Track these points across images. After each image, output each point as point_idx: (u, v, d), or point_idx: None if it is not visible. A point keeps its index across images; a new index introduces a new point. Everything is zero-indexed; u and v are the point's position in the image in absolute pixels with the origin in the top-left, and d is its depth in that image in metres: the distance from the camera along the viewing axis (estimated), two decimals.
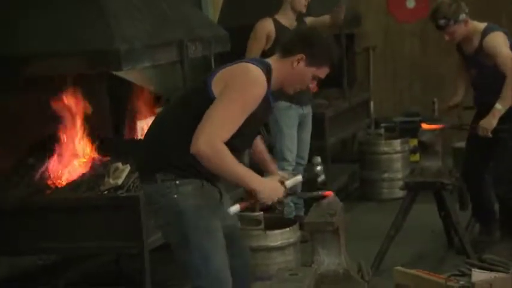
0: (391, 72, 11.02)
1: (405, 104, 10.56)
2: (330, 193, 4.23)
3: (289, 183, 4.20)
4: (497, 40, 6.30)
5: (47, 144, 5.78)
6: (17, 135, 5.73)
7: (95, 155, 5.72)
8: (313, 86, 4.32)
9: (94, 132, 5.92)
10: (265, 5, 8.61)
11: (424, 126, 6.57)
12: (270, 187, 4.07)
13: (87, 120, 5.86)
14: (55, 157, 5.67)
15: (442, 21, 6.31)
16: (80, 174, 5.57)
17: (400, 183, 7.07)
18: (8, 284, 6.15)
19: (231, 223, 4.40)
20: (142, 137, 6.02)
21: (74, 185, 5.50)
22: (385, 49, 10.89)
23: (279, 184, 4.12)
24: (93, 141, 5.82)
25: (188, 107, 4.15)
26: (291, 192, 4.24)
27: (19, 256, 6.08)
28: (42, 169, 5.61)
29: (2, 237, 5.46)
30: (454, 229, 6.60)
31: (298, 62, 4.14)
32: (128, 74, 6.55)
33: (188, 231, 4.08)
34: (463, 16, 6.31)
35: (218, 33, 6.44)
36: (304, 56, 4.13)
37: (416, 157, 8.66)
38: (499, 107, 6.20)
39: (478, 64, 6.47)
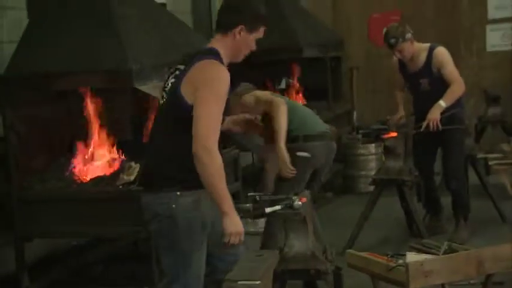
0: (371, 88, 10.93)
1: (382, 114, 10.38)
2: (304, 200, 4.04)
3: (268, 210, 3.98)
4: (445, 54, 6.41)
5: (76, 146, 5.70)
6: (51, 139, 5.68)
7: (115, 155, 5.65)
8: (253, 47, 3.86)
9: (115, 136, 5.83)
10: (267, 31, 8.54)
11: (384, 136, 6.57)
12: (234, 220, 3.65)
13: (110, 126, 5.80)
14: (82, 157, 5.61)
15: (392, 40, 6.35)
16: (101, 172, 5.50)
17: None
18: (48, 261, 6.07)
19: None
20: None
21: (96, 180, 5.43)
22: (366, 69, 10.78)
23: (240, 224, 3.68)
24: (113, 144, 5.73)
25: (172, 120, 3.72)
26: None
27: (53, 238, 5.97)
28: (71, 167, 5.55)
29: (40, 223, 5.39)
30: (412, 217, 6.58)
31: (240, 33, 3.75)
32: (149, 88, 6.46)
33: (179, 240, 3.72)
34: (409, 35, 6.36)
35: None
36: (243, 26, 3.74)
37: None
38: (442, 103, 6.29)
39: (428, 74, 6.47)
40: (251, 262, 3.34)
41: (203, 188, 3.63)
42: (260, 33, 3.83)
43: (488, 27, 10.44)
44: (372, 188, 6.77)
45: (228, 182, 3.73)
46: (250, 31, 3.77)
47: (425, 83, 6.53)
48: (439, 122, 6.27)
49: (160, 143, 3.78)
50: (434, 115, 6.28)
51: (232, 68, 6.65)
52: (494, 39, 10.42)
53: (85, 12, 5.40)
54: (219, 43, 3.80)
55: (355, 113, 10.15)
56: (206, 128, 3.55)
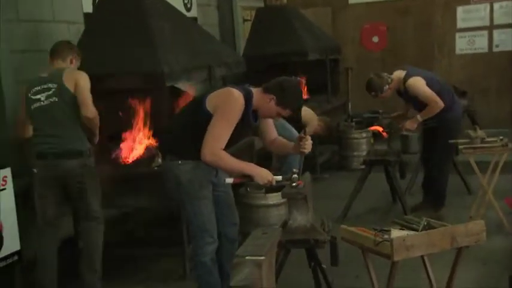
0: (362, 85, 10.50)
1: (371, 105, 10.09)
2: (300, 183, 3.80)
3: (275, 178, 3.80)
4: (415, 84, 5.79)
5: (121, 135, 5.36)
6: (101, 129, 5.23)
7: (152, 142, 5.32)
8: (278, 118, 3.91)
9: (154, 127, 5.50)
10: (279, 39, 8.30)
11: (370, 128, 6.22)
12: (261, 173, 3.71)
13: (150, 118, 5.47)
14: (125, 144, 5.28)
15: (372, 93, 5.98)
16: (140, 156, 5.18)
17: None
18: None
19: (224, 190, 4.08)
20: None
21: (136, 163, 5.13)
22: (358, 69, 10.42)
23: (267, 172, 3.74)
24: (151, 134, 5.39)
25: (190, 115, 3.86)
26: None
27: (104, 208, 5.67)
28: (116, 152, 5.23)
29: None
30: (396, 191, 6.25)
31: (270, 100, 3.77)
32: (183, 85, 6.13)
33: (184, 196, 3.90)
34: (386, 87, 5.87)
35: (237, 59, 5.98)
36: (275, 97, 3.76)
37: None
38: (419, 117, 5.85)
39: (408, 98, 5.99)
40: (257, 239, 3.04)
41: (198, 159, 3.70)
42: (285, 112, 3.82)
43: (457, 34, 10.16)
44: (363, 166, 6.42)
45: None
46: (277, 104, 3.78)
47: (411, 105, 6.10)
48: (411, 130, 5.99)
49: (177, 128, 3.90)
50: (409, 126, 5.92)
51: (256, 68, 6.37)
52: (462, 44, 10.15)
53: (128, 26, 5.08)
54: (256, 93, 3.83)
55: (349, 105, 9.83)
56: (214, 141, 3.63)
